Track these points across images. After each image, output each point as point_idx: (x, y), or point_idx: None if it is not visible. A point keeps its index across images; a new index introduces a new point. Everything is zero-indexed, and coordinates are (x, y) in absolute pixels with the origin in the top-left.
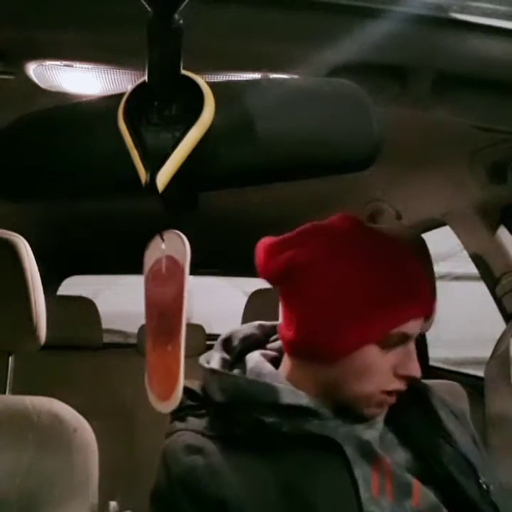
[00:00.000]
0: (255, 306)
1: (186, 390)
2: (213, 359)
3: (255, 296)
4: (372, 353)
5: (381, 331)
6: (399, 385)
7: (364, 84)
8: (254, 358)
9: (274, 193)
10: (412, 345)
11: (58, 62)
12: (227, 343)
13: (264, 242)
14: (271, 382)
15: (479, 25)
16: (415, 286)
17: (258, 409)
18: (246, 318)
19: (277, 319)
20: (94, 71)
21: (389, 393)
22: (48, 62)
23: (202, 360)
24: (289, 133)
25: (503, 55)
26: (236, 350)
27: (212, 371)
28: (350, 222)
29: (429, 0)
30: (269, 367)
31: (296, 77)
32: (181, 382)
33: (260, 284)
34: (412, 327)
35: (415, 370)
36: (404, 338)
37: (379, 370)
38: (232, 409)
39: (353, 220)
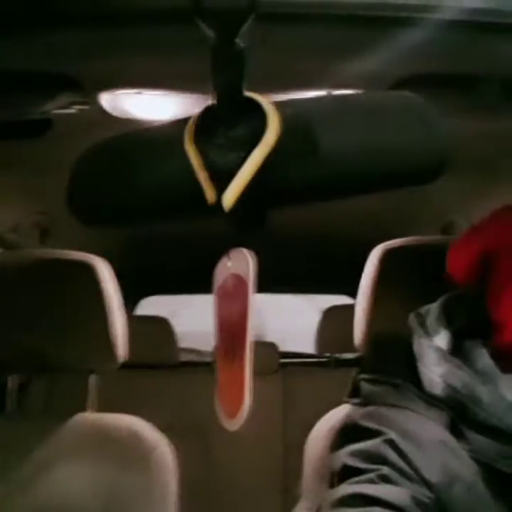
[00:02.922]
0: (329, 323)
1: None
2: None
3: (329, 313)
4: None
5: None
6: None
7: (429, 96)
8: None
9: (346, 209)
10: None
11: (129, 90)
12: None
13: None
14: None
15: None
16: None
17: None
18: (320, 336)
19: (351, 336)
20: (163, 97)
21: None
22: (119, 91)
23: None
24: (353, 148)
25: None
26: None
27: None
28: None
29: (488, 7)
30: None
31: (358, 91)
32: (247, 400)
33: (333, 300)
34: None
35: None
36: None
37: None
38: None
39: None
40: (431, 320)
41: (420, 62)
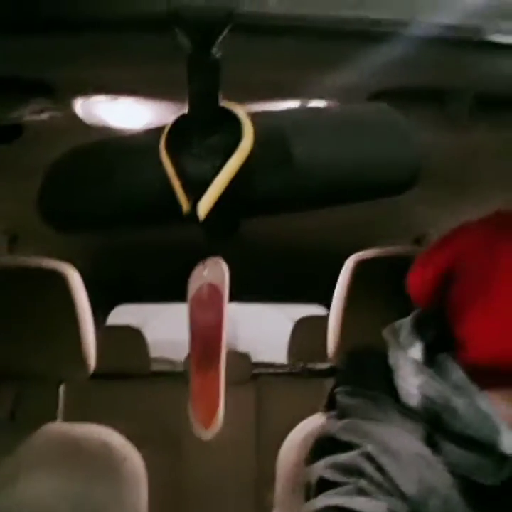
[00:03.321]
0: (301, 333)
1: None
2: None
3: (301, 323)
4: None
5: None
6: None
7: (403, 108)
8: None
9: (318, 219)
10: None
11: (103, 97)
12: None
13: (411, 268)
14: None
15: None
16: None
17: None
18: (292, 346)
19: (324, 346)
20: (138, 105)
21: None
22: (93, 98)
23: None
24: (327, 159)
25: None
26: None
27: None
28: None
29: (463, 23)
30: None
31: (334, 103)
32: (221, 409)
33: (306, 311)
34: None
35: None
36: None
37: None
38: None
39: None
40: (404, 333)
41: (394, 76)
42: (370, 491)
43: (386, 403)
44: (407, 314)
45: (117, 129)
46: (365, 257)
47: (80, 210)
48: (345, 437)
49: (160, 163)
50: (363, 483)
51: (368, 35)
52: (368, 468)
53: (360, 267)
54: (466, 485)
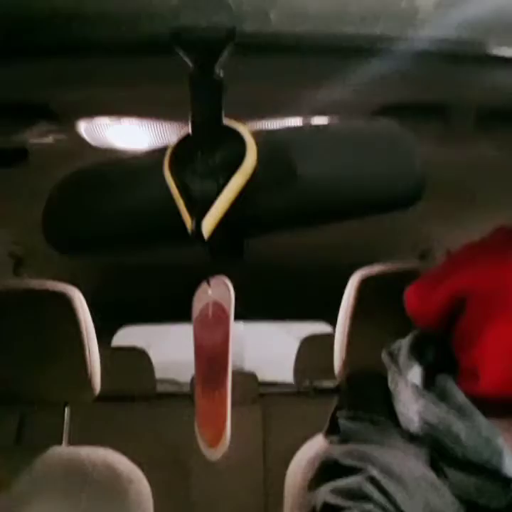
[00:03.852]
0: (307, 352)
1: None
2: None
3: (307, 342)
4: None
5: None
6: None
7: (406, 123)
8: None
9: (323, 236)
10: None
11: (107, 119)
12: None
13: (410, 287)
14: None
15: None
16: None
17: None
18: (298, 364)
19: (331, 364)
20: (141, 125)
21: None
22: (97, 120)
23: None
24: (332, 176)
25: None
26: None
27: None
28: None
29: (465, 37)
30: None
31: (337, 119)
32: (228, 429)
33: (312, 329)
34: None
35: None
36: None
37: None
38: None
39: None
40: (402, 356)
41: (397, 91)
42: None
43: (388, 427)
44: (410, 329)
45: (122, 151)
46: (370, 273)
47: (84, 233)
48: (348, 462)
49: (164, 183)
50: (368, 507)
51: (370, 51)
52: (373, 492)
53: (365, 283)
54: (472, 509)
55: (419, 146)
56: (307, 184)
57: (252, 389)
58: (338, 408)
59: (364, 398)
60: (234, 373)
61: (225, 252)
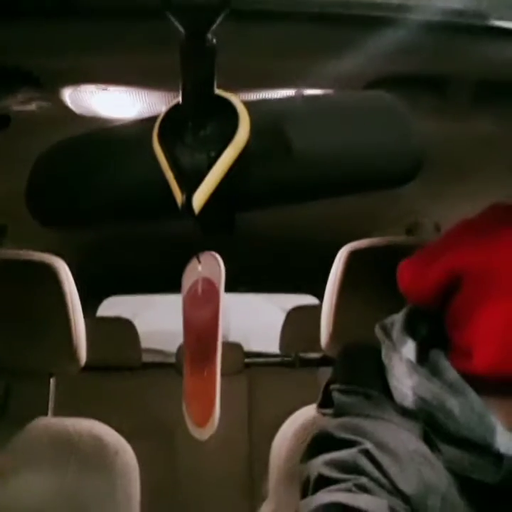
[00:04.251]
0: (293, 323)
1: None
2: None
3: (293, 313)
4: None
5: None
6: None
7: (402, 96)
8: None
9: (311, 210)
10: None
11: (93, 87)
12: None
13: (404, 264)
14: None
15: None
16: None
17: None
18: (284, 335)
19: (317, 336)
20: (129, 94)
21: None
22: (82, 87)
23: None
24: (326, 149)
25: None
26: None
27: None
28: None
29: (466, 8)
30: None
31: (331, 91)
32: (217, 408)
33: (298, 300)
34: None
35: None
36: None
37: None
38: None
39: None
40: (396, 331)
41: (394, 62)
42: (371, 488)
43: (382, 401)
44: (400, 304)
45: (108, 119)
46: (357, 247)
47: (68, 206)
48: (343, 435)
49: (152, 155)
50: (363, 480)
51: (367, 19)
52: (367, 465)
53: (352, 257)
54: (465, 483)
55: (415, 121)
56: (301, 157)
57: (238, 359)
58: (331, 381)
59: (358, 372)
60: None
61: (216, 226)
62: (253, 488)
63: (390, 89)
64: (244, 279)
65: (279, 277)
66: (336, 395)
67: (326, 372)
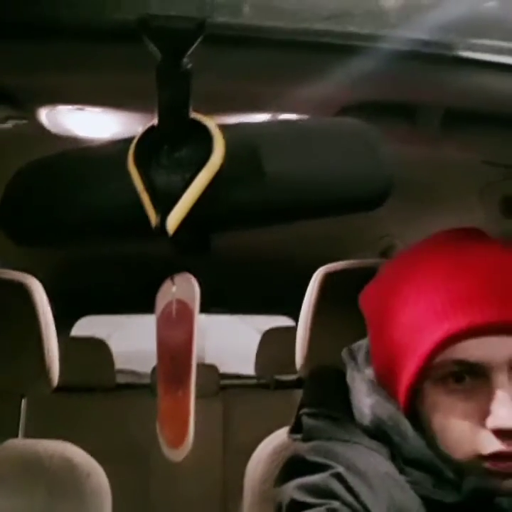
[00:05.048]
0: (269, 345)
1: None
2: None
3: (269, 335)
4: (433, 393)
5: (425, 354)
6: (497, 446)
7: (373, 123)
8: None
9: (287, 231)
10: (497, 381)
11: (69, 107)
12: None
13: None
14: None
15: (486, 62)
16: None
17: None
18: (259, 357)
19: (292, 358)
20: (105, 114)
21: (487, 458)
22: (59, 107)
23: None
24: (299, 173)
25: (509, 91)
26: None
27: None
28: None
29: (435, 39)
30: None
31: (305, 117)
32: (191, 430)
33: (274, 322)
34: (472, 349)
35: (505, 418)
36: (467, 368)
37: (455, 421)
38: None
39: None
40: (361, 354)
41: (366, 90)
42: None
43: (348, 424)
44: None
45: (84, 139)
46: (332, 269)
47: (41, 225)
48: (314, 458)
49: (127, 176)
50: (335, 505)
51: (340, 48)
52: (340, 489)
53: (327, 279)
54: (432, 504)
55: (386, 146)
56: (274, 181)
57: (213, 381)
58: (301, 405)
59: (324, 395)
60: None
61: (191, 247)
62: (227, 511)
63: (361, 115)
64: (220, 300)
65: (255, 299)
66: (304, 419)
67: (301, 394)
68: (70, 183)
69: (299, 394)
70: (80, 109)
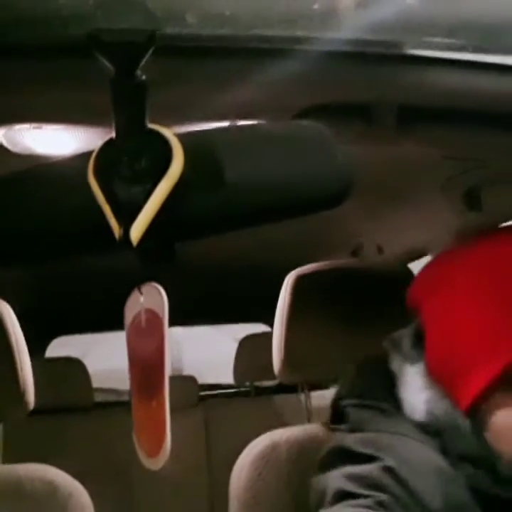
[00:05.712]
0: (246, 353)
1: None
2: None
3: (245, 343)
4: (503, 403)
5: (497, 365)
6: None
7: (330, 124)
8: None
9: (256, 237)
10: None
11: (27, 125)
12: None
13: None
14: None
15: (435, 59)
16: None
17: None
18: (238, 365)
19: (270, 363)
20: (64, 131)
21: None
22: (16, 126)
23: None
24: (259, 177)
25: (461, 86)
26: None
27: None
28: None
29: (384, 39)
30: None
31: (263, 122)
32: (168, 437)
33: (250, 329)
34: None
35: None
36: None
37: None
38: None
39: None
40: (406, 345)
41: (318, 92)
42: (391, 506)
43: (395, 415)
44: (349, 325)
45: (44, 157)
46: (304, 272)
47: (4, 243)
48: (362, 450)
49: (88, 190)
50: (383, 497)
51: (291, 52)
52: (389, 482)
53: (300, 282)
54: (487, 499)
55: (345, 146)
56: (234, 186)
57: (192, 393)
58: (340, 396)
59: (370, 386)
60: (173, 378)
61: (155, 257)
62: None
63: (318, 117)
64: (194, 311)
65: (229, 307)
66: (350, 409)
67: (282, 400)
68: (31, 199)
69: (279, 399)
70: (38, 127)
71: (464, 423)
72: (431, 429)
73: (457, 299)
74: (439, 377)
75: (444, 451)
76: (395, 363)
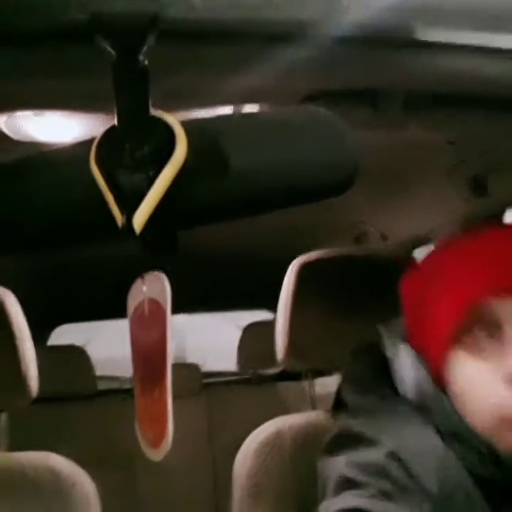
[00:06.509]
0: (250, 340)
1: None
2: None
3: (249, 330)
4: (461, 360)
5: (453, 315)
6: None
7: (336, 110)
8: None
9: (260, 225)
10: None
11: (28, 112)
12: None
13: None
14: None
15: (444, 44)
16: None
17: None
18: (241, 353)
19: (273, 351)
20: (66, 118)
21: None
22: (18, 113)
23: None
24: (264, 164)
25: (470, 71)
26: None
27: None
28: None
29: (392, 23)
30: None
31: (267, 108)
32: (170, 428)
33: (253, 317)
34: (499, 308)
35: None
36: (490, 327)
37: (480, 384)
38: None
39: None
40: (400, 328)
41: (326, 77)
42: (394, 494)
43: (395, 400)
44: (353, 313)
45: (46, 144)
46: (308, 259)
47: (6, 231)
48: (364, 434)
49: (91, 177)
50: (386, 485)
51: (298, 37)
52: (393, 469)
53: (303, 269)
54: (481, 479)
55: (351, 133)
56: (240, 173)
57: (195, 380)
58: (343, 382)
59: (369, 371)
60: (176, 365)
61: (159, 245)
62: (218, 507)
63: (324, 103)
64: (198, 299)
65: (233, 295)
66: (350, 395)
67: (285, 387)
68: (33, 187)
69: (283, 387)
70: (40, 114)
71: (443, 398)
72: (423, 407)
73: (429, 266)
74: (416, 348)
75: (438, 431)
76: (388, 344)
